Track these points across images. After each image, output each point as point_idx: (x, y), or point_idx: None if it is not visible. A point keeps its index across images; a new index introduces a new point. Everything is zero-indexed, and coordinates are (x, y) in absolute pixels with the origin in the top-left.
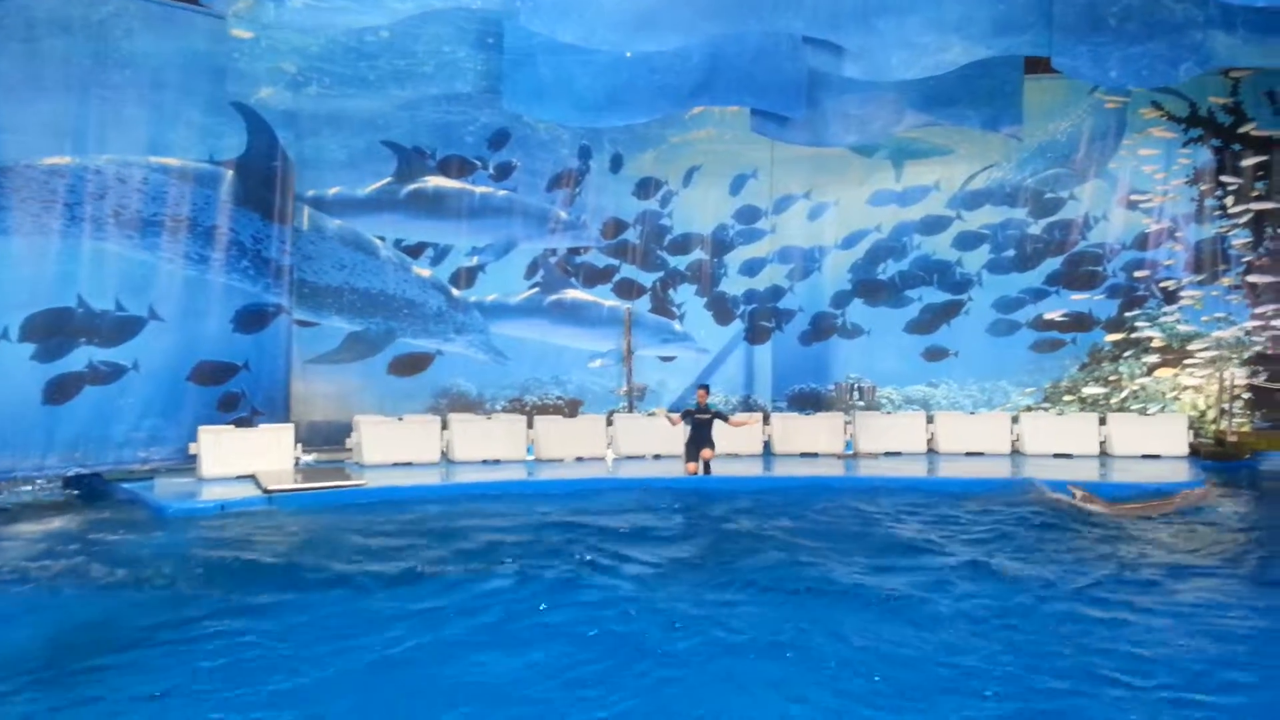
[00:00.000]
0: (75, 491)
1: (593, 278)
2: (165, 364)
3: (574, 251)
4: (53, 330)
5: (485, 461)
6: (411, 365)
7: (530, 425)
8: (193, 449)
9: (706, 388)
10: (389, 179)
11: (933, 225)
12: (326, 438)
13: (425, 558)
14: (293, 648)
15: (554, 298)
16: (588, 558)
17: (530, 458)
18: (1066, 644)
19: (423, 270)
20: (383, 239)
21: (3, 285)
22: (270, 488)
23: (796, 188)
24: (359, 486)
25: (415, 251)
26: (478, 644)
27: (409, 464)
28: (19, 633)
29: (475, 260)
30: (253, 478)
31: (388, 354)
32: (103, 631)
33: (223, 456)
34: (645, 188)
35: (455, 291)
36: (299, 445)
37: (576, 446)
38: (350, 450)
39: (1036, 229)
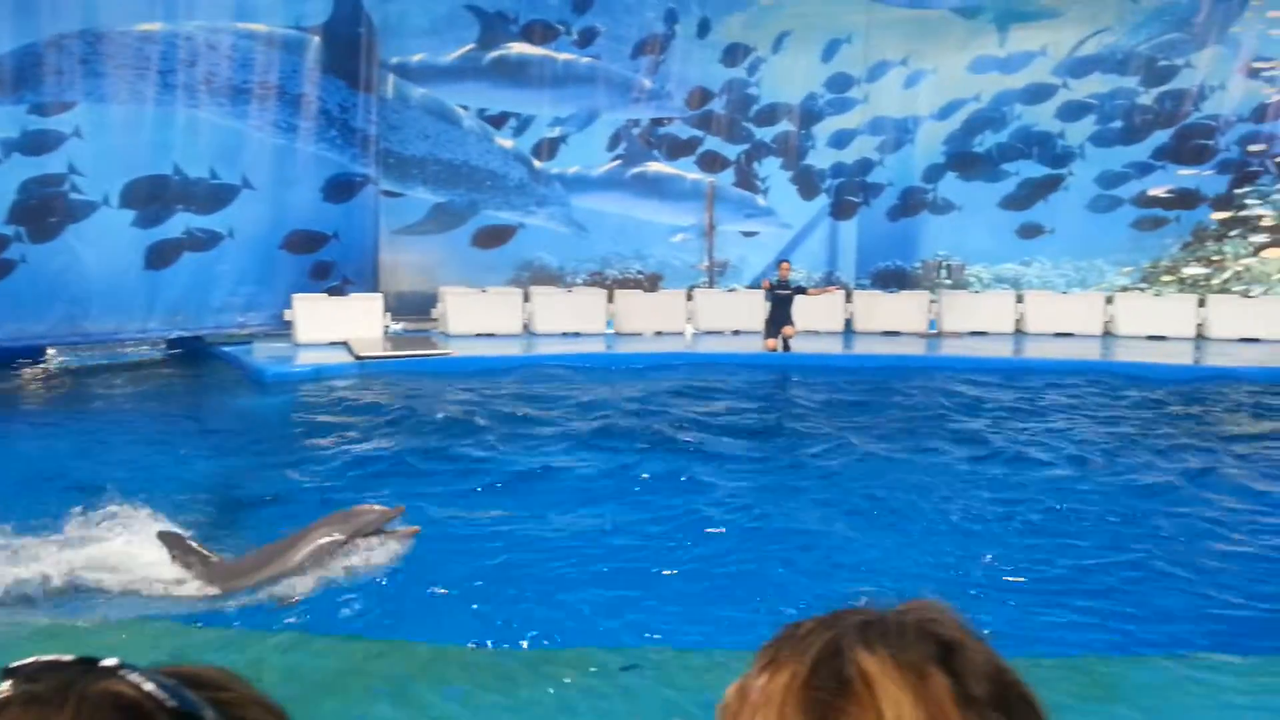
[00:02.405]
0: (178, 351)
1: (676, 150)
2: (258, 232)
3: (657, 122)
4: (151, 197)
5: (565, 334)
6: (494, 237)
7: (610, 299)
8: (287, 315)
9: (789, 263)
10: (472, 45)
11: (1036, 94)
12: (413, 307)
13: (515, 420)
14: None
15: (636, 170)
16: (667, 427)
17: (610, 331)
18: None
19: (505, 141)
20: (466, 108)
21: (102, 152)
22: (362, 354)
23: (893, 54)
24: (446, 355)
25: (498, 122)
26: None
27: (491, 335)
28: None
29: (558, 131)
30: (345, 344)
31: (471, 226)
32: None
33: (316, 323)
34: (733, 54)
35: (537, 163)
36: (388, 314)
37: (656, 321)
38: (435, 320)
39: (1147, 99)
